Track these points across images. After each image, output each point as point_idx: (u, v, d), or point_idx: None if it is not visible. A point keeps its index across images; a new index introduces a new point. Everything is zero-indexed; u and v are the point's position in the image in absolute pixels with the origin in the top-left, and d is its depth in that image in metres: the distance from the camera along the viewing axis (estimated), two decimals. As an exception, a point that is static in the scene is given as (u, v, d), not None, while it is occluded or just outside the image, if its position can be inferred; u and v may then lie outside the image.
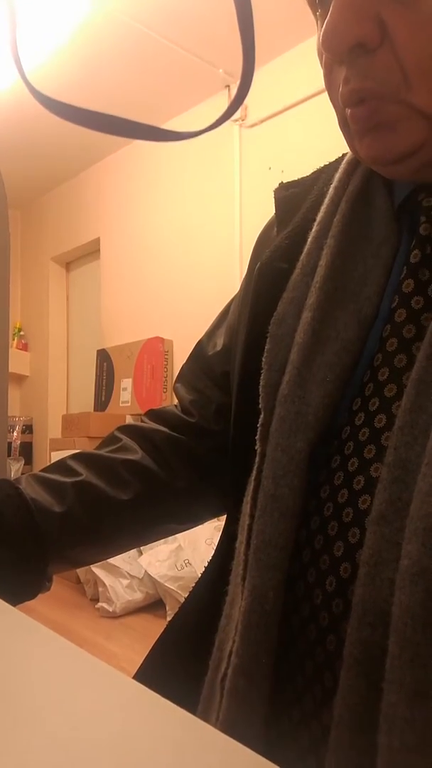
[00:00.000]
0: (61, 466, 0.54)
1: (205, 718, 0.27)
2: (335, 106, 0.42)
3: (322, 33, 0.37)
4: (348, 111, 0.40)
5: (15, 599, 0.48)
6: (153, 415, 0.63)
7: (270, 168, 2.94)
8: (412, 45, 0.36)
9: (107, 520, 0.53)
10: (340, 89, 0.40)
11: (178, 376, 0.65)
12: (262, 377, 0.44)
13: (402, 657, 0.31)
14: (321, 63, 0.43)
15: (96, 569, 2.67)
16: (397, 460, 0.35)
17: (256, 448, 0.44)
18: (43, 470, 0.55)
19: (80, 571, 2.86)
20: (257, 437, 0.43)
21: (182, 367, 0.65)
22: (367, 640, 0.34)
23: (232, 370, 0.55)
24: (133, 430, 0.60)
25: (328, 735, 0.35)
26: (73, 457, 0.56)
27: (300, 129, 2.81)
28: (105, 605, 2.58)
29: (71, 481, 0.52)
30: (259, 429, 0.43)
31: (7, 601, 0.47)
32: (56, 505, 0.50)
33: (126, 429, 0.60)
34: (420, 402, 0.35)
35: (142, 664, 0.52)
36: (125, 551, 0.58)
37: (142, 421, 0.63)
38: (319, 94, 2.67)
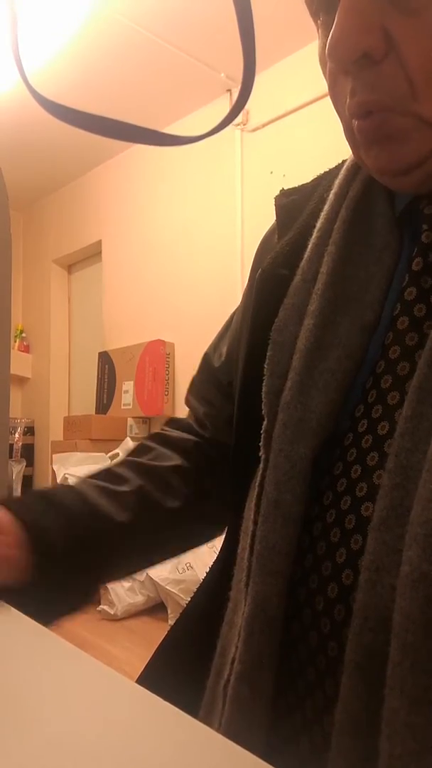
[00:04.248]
0: (113, 475, 0.55)
1: (208, 723, 0.27)
2: (341, 116, 0.42)
3: (328, 43, 0.37)
4: (355, 123, 0.40)
5: (69, 609, 0.48)
6: (175, 423, 0.64)
7: (272, 172, 2.94)
8: (418, 55, 0.36)
9: (161, 527, 0.54)
10: (347, 101, 0.40)
11: (189, 387, 0.66)
12: (264, 383, 0.44)
13: (403, 663, 0.31)
14: (324, 72, 0.42)
15: (97, 572, 2.67)
16: (397, 466, 0.35)
17: (260, 454, 0.44)
18: (94, 477, 0.55)
19: (81, 574, 2.86)
20: (261, 443, 0.43)
21: (193, 379, 0.65)
22: (368, 646, 0.34)
23: (234, 377, 0.55)
24: (164, 440, 0.61)
25: (329, 741, 0.35)
26: (122, 465, 0.56)
27: (301, 133, 2.81)
28: (106, 608, 2.58)
29: (129, 490, 0.53)
30: (262, 435, 0.43)
31: (58, 612, 0.48)
32: (120, 515, 0.51)
33: (156, 438, 0.61)
34: (421, 409, 0.35)
35: (144, 669, 0.52)
36: (167, 560, 0.59)
37: (163, 430, 0.64)
38: (320, 99, 2.67)
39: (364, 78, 0.38)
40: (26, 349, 4.61)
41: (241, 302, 0.59)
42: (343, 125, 0.43)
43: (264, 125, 2.99)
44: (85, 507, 0.50)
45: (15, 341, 4.56)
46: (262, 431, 0.44)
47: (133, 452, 0.60)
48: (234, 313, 0.62)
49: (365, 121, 0.39)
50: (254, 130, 3.03)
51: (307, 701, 0.39)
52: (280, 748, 0.40)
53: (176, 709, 0.28)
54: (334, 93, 0.42)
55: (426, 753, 0.30)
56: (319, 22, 0.41)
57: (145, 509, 0.52)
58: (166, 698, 0.29)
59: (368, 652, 0.33)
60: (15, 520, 0.46)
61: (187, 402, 0.65)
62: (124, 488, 0.53)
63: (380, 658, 0.32)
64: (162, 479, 0.55)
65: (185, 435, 0.61)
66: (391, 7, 0.36)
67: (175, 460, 0.57)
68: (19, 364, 4.46)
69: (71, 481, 0.61)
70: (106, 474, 0.55)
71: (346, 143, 0.44)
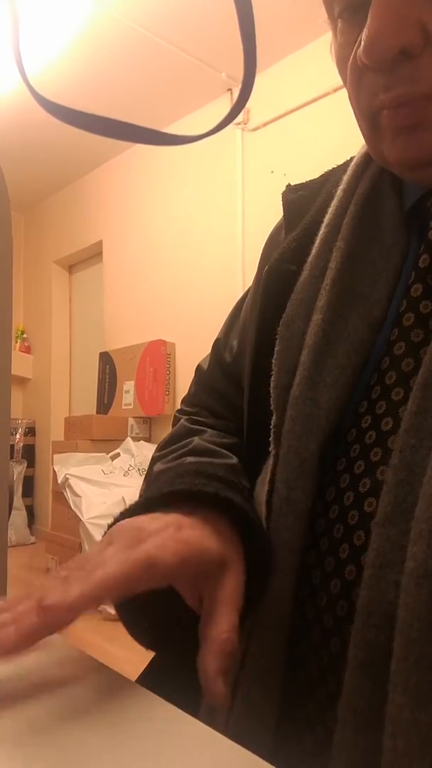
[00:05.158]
0: (216, 452, 0.51)
1: (211, 723, 0.27)
2: (362, 111, 0.42)
3: (363, 42, 0.36)
4: (385, 112, 0.39)
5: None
6: (189, 414, 0.60)
7: (272, 171, 2.94)
8: None
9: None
10: (380, 96, 0.39)
11: (198, 378, 0.63)
12: (272, 379, 0.44)
13: (407, 659, 0.31)
14: (341, 69, 0.42)
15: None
16: (402, 462, 0.35)
17: (270, 449, 0.44)
18: (203, 455, 0.50)
19: (83, 574, 2.86)
20: (271, 439, 0.43)
21: (201, 369, 0.62)
22: (371, 642, 0.34)
23: (242, 371, 0.54)
24: (202, 423, 0.57)
25: (332, 738, 0.35)
26: (207, 442, 0.52)
27: (302, 132, 2.81)
28: (107, 608, 2.56)
29: (236, 462, 0.50)
30: (272, 431, 0.43)
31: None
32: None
33: (196, 423, 0.57)
34: (426, 405, 0.36)
35: (145, 668, 0.52)
36: None
37: (179, 418, 0.60)
38: (321, 98, 2.67)
39: (402, 73, 0.37)
40: (27, 350, 4.62)
41: (249, 298, 0.58)
42: (362, 120, 0.42)
43: (265, 124, 2.99)
44: (242, 485, 0.46)
45: (16, 342, 4.57)
46: (271, 427, 0.43)
47: (189, 434, 0.55)
48: (241, 303, 0.61)
49: (400, 109, 0.38)
50: (255, 129, 3.03)
51: (310, 698, 0.39)
52: (282, 745, 0.40)
53: (177, 709, 0.28)
54: (358, 89, 0.41)
55: (429, 749, 0.30)
56: (339, 20, 0.41)
57: (246, 476, 0.50)
58: (167, 698, 0.29)
59: (371, 648, 0.34)
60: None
61: (195, 394, 0.62)
62: (234, 461, 0.50)
63: (383, 655, 0.32)
64: (237, 453, 0.52)
65: (219, 421, 0.58)
66: (426, 0, 0.35)
67: (230, 438, 0.55)
68: (20, 364, 4.47)
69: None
70: (211, 452, 0.51)
71: (347, 142, 0.43)
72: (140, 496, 0.48)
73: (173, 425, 0.60)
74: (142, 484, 0.56)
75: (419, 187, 0.44)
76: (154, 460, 0.55)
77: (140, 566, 0.32)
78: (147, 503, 0.40)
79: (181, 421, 0.58)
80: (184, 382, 3.36)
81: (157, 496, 0.40)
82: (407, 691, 0.31)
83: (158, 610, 0.40)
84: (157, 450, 0.56)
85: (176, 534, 0.36)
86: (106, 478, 3.05)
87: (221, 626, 0.35)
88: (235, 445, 0.53)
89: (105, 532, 0.39)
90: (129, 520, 0.38)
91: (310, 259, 0.47)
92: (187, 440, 0.53)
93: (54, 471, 3.21)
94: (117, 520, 0.40)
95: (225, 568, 0.37)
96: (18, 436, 4.35)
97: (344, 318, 0.43)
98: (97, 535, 2.75)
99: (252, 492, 0.47)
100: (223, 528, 0.39)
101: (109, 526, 0.39)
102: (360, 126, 0.43)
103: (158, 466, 0.52)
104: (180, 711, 0.27)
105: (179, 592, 0.39)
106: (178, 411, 0.62)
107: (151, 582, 0.34)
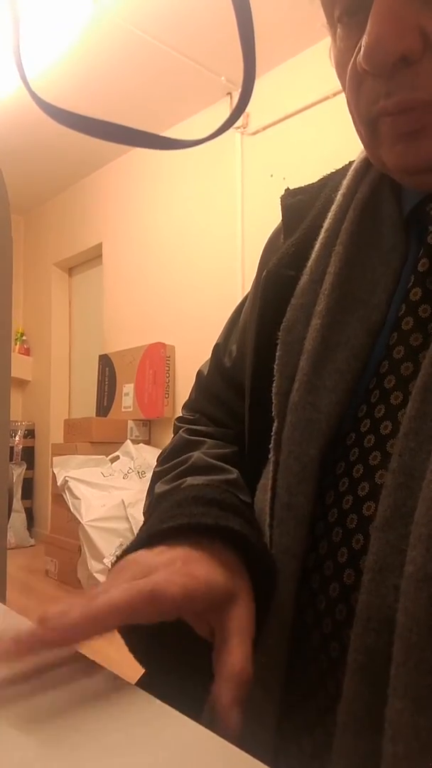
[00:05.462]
0: (216, 467, 0.51)
1: (212, 726, 0.27)
2: (361, 117, 0.42)
3: (363, 48, 0.36)
4: (387, 119, 0.39)
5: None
6: (189, 422, 0.60)
7: (272, 175, 2.95)
8: None
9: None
10: (380, 102, 0.39)
11: (198, 385, 0.63)
12: (274, 384, 0.44)
13: (407, 664, 0.31)
14: (340, 74, 0.42)
15: (97, 574, 2.67)
16: (401, 466, 0.35)
17: (270, 456, 0.44)
18: (205, 473, 0.50)
19: (82, 576, 2.86)
20: (271, 446, 0.44)
21: (201, 375, 0.63)
22: (371, 647, 0.34)
23: (242, 376, 0.54)
24: (203, 433, 0.57)
25: (331, 741, 0.35)
26: (206, 456, 0.52)
27: (301, 136, 2.82)
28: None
29: (236, 476, 0.50)
30: (272, 438, 0.43)
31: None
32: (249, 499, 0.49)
33: (195, 432, 0.57)
34: (425, 409, 0.36)
35: (145, 671, 0.51)
36: None
37: (179, 427, 0.60)
38: (320, 102, 2.68)
39: (402, 79, 0.37)
40: (27, 352, 4.62)
41: (248, 302, 0.58)
42: (361, 126, 0.42)
43: (264, 128, 2.99)
44: (242, 505, 0.46)
45: (15, 344, 4.57)
46: (272, 434, 0.43)
47: (188, 447, 0.55)
48: (240, 307, 0.61)
49: (401, 116, 0.38)
50: (254, 133, 3.04)
51: (310, 701, 0.39)
52: (282, 749, 0.40)
53: (176, 712, 0.28)
54: (357, 94, 0.41)
55: (429, 753, 0.30)
56: (338, 24, 0.41)
57: (247, 490, 0.50)
58: (166, 701, 0.29)
59: (371, 652, 0.34)
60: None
61: (195, 400, 0.62)
62: (234, 476, 0.50)
63: (383, 659, 0.32)
64: (236, 462, 0.53)
65: (218, 428, 0.58)
66: (426, 6, 0.36)
67: (230, 447, 0.55)
68: (20, 367, 4.47)
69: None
70: (211, 468, 0.51)
71: (346, 146, 0.43)
72: (144, 517, 0.47)
73: (174, 433, 0.61)
74: (145, 502, 0.56)
75: (419, 192, 0.44)
76: (155, 476, 0.55)
77: (144, 597, 0.32)
78: (150, 539, 0.40)
79: (180, 432, 0.59)
80: (183, 385, 3.36)
81: (159, 532, 0.40)
82: (407, 696, 0.31)
83: (155, 631, 0.40)
84: (158, 464, 0.57)
85: (183, 568, 0.36)
86: (105, 481, 3.05)
87: (235, 658, 0.35)
88: (234, 455, 0.53)
89: (111, 568, 0.39)
90: (135, 555, 0.38)
91: (309, 263, 0.47)
92: (187, 455, 0.53)
93: (53, 473, 3.21)
94: (122, 555, 0.40)
95: (234, 599, 0.37)
96: (17, 438, 4.35)
97: (343, 323, 0.43)
98: (97, 537, 2.74)
99: (253, 504, 0.47)
100: (228, 558, 0.39)
101: (113, 564, 0.39)
102: (359, 132, 0.43)
103: (159, 487, 0.52)
104: (180, 714, 0.27)
105: (189, 624, 0.39)
106: (178, 419, 0.63)
107: (155, 615, 0.33)
